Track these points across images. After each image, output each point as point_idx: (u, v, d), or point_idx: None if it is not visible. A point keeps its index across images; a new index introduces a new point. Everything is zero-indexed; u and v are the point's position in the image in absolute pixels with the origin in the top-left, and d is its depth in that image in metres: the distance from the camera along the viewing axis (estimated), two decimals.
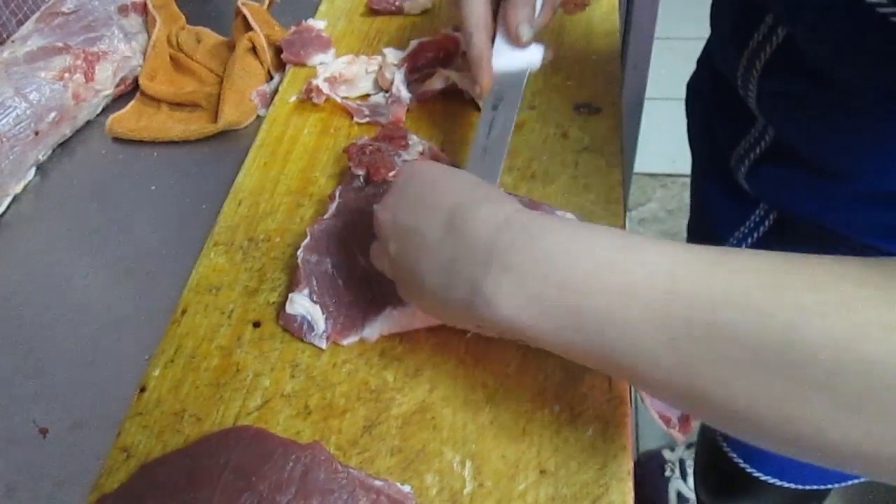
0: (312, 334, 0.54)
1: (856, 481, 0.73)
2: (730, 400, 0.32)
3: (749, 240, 0.63)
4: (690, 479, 1.37)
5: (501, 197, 0.44)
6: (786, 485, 0.75)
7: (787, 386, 0.30)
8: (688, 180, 1.99)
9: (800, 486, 0.74)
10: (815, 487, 0.75)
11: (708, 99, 0.68)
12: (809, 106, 0.50)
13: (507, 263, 0.38)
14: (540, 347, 0.40)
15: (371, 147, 0.62)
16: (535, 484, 0.48)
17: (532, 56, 0.60)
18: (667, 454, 1.42)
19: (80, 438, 0.54)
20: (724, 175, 0.63)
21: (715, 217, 0.67)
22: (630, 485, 0.47)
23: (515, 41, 0.58)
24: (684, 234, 1.93)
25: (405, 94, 0.71)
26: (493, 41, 0.60)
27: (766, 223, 0.62)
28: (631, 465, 0.48)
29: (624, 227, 0.61)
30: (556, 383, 0.52)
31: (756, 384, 0.31)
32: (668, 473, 1.39)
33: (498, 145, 0.57)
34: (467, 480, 0.48)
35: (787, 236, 0.61)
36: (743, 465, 0.75)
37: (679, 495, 1.37)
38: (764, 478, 0.75)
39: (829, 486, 0.75)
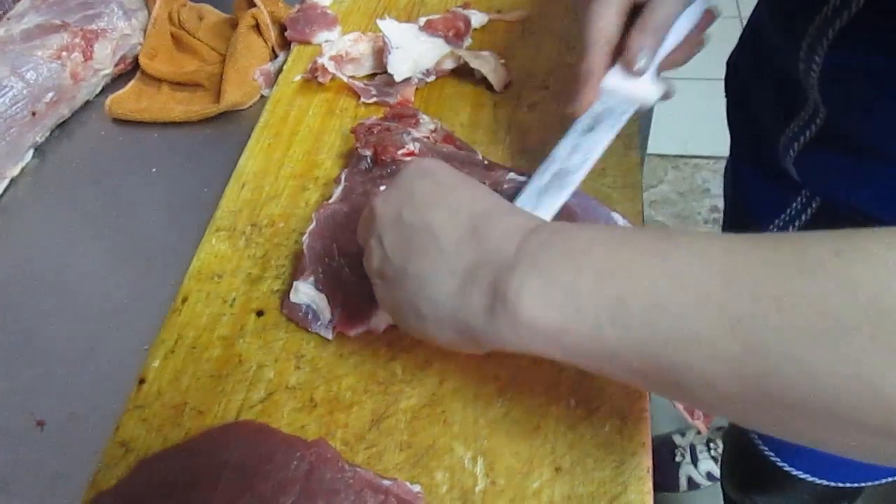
0: (318, 324, 0.52)
1: (891, 479, 0.71)
2: (810, 387, 0.28)
3: (790, 229, 0.60)
4: (701, 465, 1.35)
5: (522, 212, 0.40)
6: (818, 481, 0.72)
7: (881, 355, 0.26)
8: (700, 161, 1.97)
9: (833, 483, 0.72)
10: (848, 485, 0.72)
11: (750, 80, 0.64)
12: (878, 81, 0.45)
13: (536, 262, 0.35)
14: (566, 362, 0.36)
15: (379, 127, 0.60)
16: (549, 482, 0.46)
17: (647, 91, 0.52)
18: (677, 439, 1.40)
19: (78, 431, 0.52)
20: (766, 160, 0.60)
21: (754, 204, 0.64)
22: (649, 484, 0.45)
23: (628, 67, 0.51)
24: (696, 217, 1.90)
25: (400, 74, 0.68)
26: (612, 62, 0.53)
27: (809, 211, 0.59)
28: (650, 463, 0.46)
29: (642, 211, 0.59)
30: (571, 376, 0.50)
31: (842, 357, 0.27)
32: (678, 459, 1.37)
33: (572, 174, 0.51)
34: (479, 478, 0.46)
35: (831, 226, 0.58)
36: (774, 460, 0.72)
37: (690, 480, 1.36)
38: (796, 473, 0.72)
39: (863, 485, 0.73)
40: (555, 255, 0.35)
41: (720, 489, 1.09)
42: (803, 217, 0.60)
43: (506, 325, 0.35)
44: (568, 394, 0.49)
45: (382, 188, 0.42)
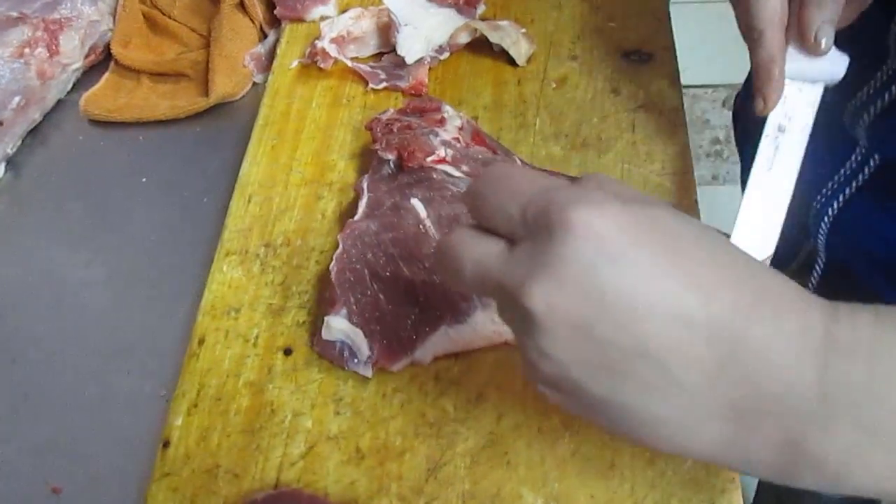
0: (355, 362, 0.47)
1: None
2: None
3: (848, 189, 0.55)
4: None
5: (782, 284, 0.28)
6: None
7: None
8: (698, 91, 1.90)
9: None
10: None
11: None
12: None
13: (863, 419, 0.26)
14: None
15: (399, 123, 0.53)
16: None
17: (832, 67, 0.46)
18: None
19: (100, 498, 0.47)
20: (822, 121, 0.55)
21: (807, 163, 0.60)
22: None
23: (813, 49, 0.44)
24: (698, 150, 1.83)
25: (412, 55, 0.60)
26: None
27: (867, 169, 0.54)
28: (741, 502, 0.42)
29: (696, 202, 0.53)
30: None
31: None
32: None
33: (783, 184, 0.45)
34: None
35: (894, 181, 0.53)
36: None
37: None
38: None
39: None
40: (884, 404, 0.26)
41: None
42: (860, 176, 0.55)
43: (818, 485, 0.28)
44: None
45: (539, 274, 0.28)
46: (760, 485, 0.96)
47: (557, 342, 0.28)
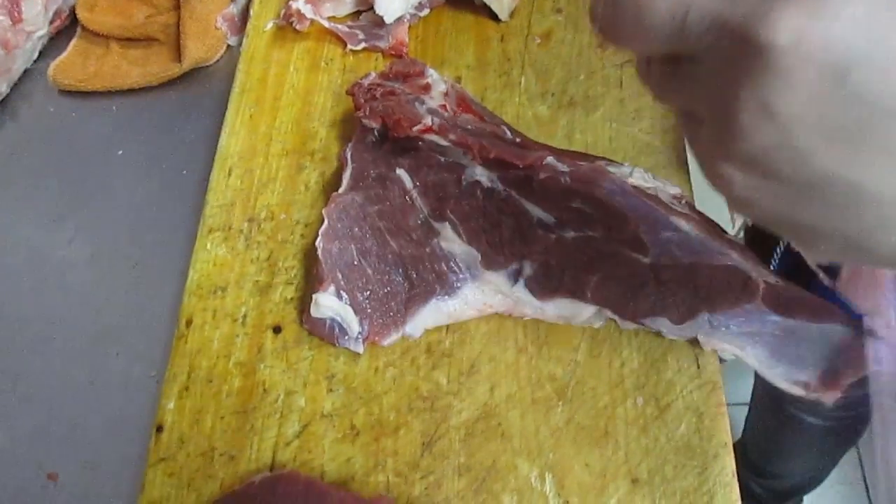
0: (346, 338, 0.46)
1: None
2: None
3: None
4: None
5: None
6: None
7: None
8: None
9: None
10: None
11: None
12: None
13: None
14: None
15: (381, 89, 0.51)
16: (628, 495, 0.42)
17: None
18: None
19: (95, 482, 0.47)
20: None
21: None
22: (737, 490, 0.42)
23: None
24: None
25: (391, 13, 0.58)
26: None
27: None
28: (734, 466, 0.42)
29: (686, 161, 0.52)
30: (634, 370, 0.45)
31: None
32: None
33: None
34: (550, 498, 0.42)
35: None
36: None
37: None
38: None
39: None
40: None
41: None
42: None
43: None
44: (634, 390, 0.45)
45: None
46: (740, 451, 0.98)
47: (793, 90, 0.21)
